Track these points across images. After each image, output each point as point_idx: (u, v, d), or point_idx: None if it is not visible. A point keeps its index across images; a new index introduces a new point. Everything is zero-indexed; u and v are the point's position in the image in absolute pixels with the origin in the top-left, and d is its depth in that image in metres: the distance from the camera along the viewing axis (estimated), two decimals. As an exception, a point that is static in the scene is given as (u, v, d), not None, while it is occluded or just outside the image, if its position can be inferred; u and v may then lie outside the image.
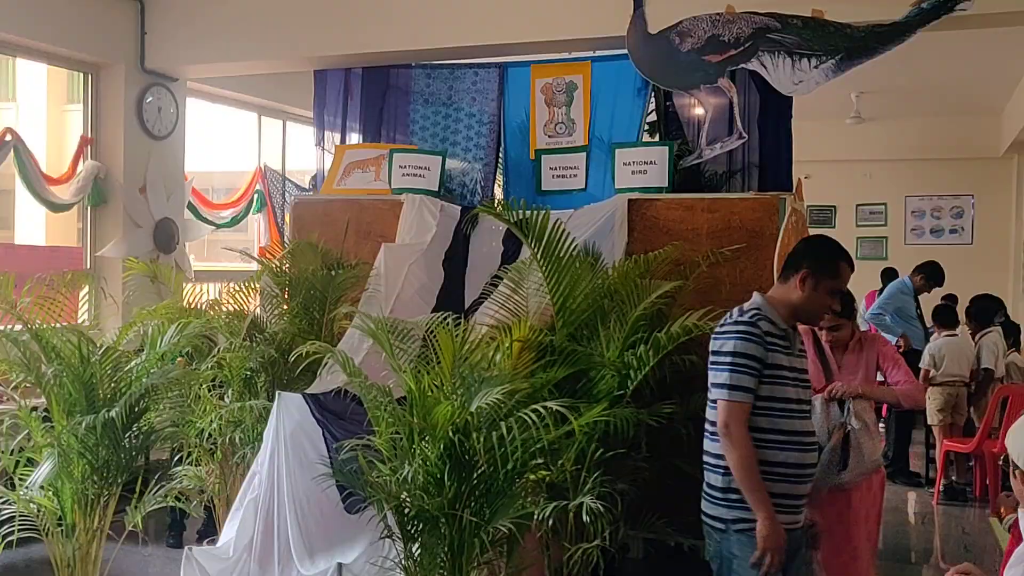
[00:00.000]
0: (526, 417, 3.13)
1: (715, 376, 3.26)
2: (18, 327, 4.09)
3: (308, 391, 4.75)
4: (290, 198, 9.41)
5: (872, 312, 8.72)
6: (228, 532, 4.45)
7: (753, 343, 3.20)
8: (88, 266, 7.33)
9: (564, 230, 4.30)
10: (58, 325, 4.18)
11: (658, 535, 4.56)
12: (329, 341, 5.56)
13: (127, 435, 3.92)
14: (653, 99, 6.36)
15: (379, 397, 3.54)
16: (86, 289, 5.18)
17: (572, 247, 4.33)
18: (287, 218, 9.39)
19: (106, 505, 3.95)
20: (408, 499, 3.33)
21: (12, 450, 3.85)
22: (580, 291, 4.27)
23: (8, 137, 6.64)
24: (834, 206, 13.04)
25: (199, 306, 5.09)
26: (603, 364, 4.18)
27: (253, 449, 4.96)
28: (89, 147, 7.38)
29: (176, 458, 4.89)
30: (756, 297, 3.38)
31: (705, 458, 3.37)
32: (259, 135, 9.37)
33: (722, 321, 3.35)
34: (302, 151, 9.97)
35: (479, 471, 3.34)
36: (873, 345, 4.36)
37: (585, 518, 3.73)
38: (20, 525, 3.92)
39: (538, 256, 4.25)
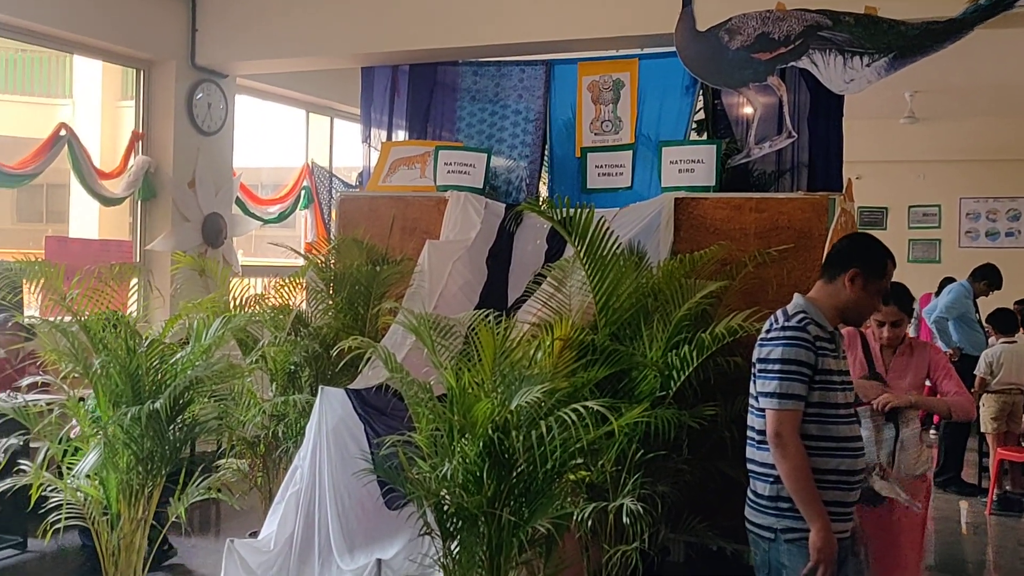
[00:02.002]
0: (566, 416, 3.10)
1: (763, 385, 3.16)
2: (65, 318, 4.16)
3: (351, 386, 4.76)
4: (336, 194, 9.49)
5: (937, 316, 8.53)
6: (269, 526, 4.48)
7: (803, 348, 3.11)
8: (138, 259, 7.44)
9: (608, 228, 4.26)
10: (106, 317, 4.23)
11: (699, 538, 4.49)
12: (373, 337, 5.58)
13: (171, 427, 3.96)
14: (701, 97, 6.30)
15: (420, 393, 3.53)
16: (134, 282, 5.26)
17: (616, 245, 4.29)
18: (333, 214, 9.48)
19: (150, 496, 4.00)
20: (447, 497, 3.32)
21: (60, 439, 3.91)
22: (623, 290, 4.23)
23: (62, 132, 6.76)
24: (886, 207, 12.80)
25: (245, 301, 5.13)
26: (645, 364, 4.13)
27: (296, 443, 4.99)
28: (140, 142, 7.48)
29: (219, 451, 4.93)
30: (799, 300, 3.28)
31: (750, 466, 3.29)
32: (307, 132, 9.44)
33: (767, 327, 3.27)
34: (349, 148, 10.03)
35: (518, 470, 3.31)
36: (924, 351, 4.25)
37: (625, 520, 3.69)
38: (67, 513, 3.99)
39: (581, 254, 4.21)
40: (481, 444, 3.19)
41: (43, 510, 4.02)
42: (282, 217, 8.95)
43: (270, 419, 4.92)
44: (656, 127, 6.36)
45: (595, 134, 6.54)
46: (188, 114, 7.51)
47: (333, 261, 5.61)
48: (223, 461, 4.77)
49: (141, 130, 7.50)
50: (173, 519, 4.07)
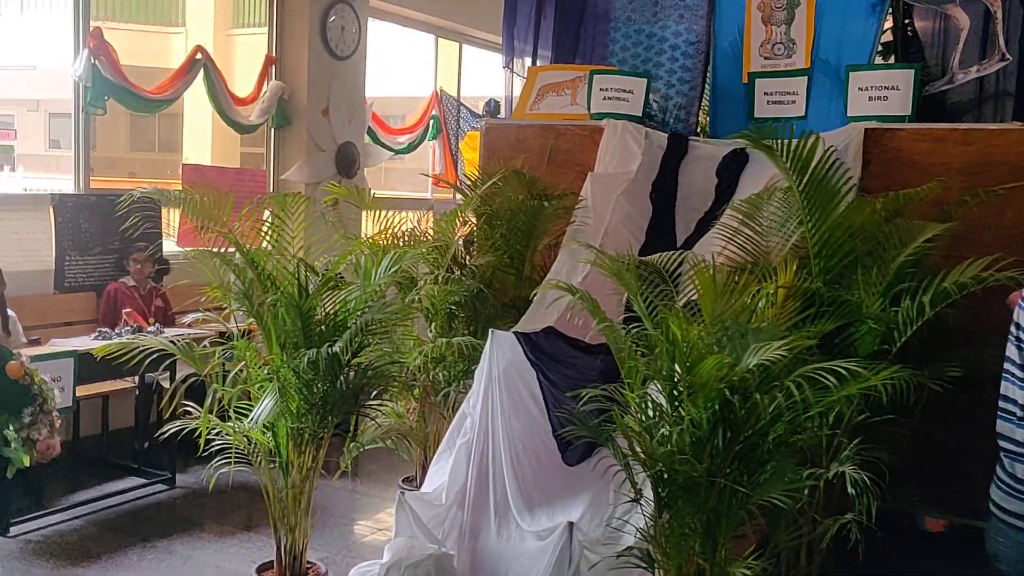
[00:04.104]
0: (826, 379, 2.68)
1: None
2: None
3: (517, 329, 4.41)
4: (464, 124, 9.11)
5: None
6: (436, 477, 4.18)
7: None
8: (272, 189, 7.20)
9: (837, 160, 3.75)
10: (266, 249, 3.92)
11: (915, 509, 4.05)
12: (530, 276, 5.22)
13: (344, 372, 3.66)
14: (890, 16, 5.64)
15: (633, 345, 3.14)
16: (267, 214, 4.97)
17: (844, 180, 3.78)
18: (462, 145, 9.12)
19: (319, 444, 3.73)
20: (663, 462, 2.93)
21: (228, 382, 3.65)
22: (842, 232, 3.73)
23: (199, 56, 6.50)
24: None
25: (401, 236, 4.79)
26: (867, 316, 3.64)
27: (456, 388, 4.70)
28: (273, 67, 7.18)
29: (373, 395, 4.66)
30: None
31: (1004, 443, 2.82)
32: (435, 58, 9.04)
33: None
34: (477, 75, 9.63)
35: (745, 435, 2.91)
36: None
37: (851, 490, 3.26)
38: (230, 455, 3.76)
39: (799, 189, 3.71)
40: (717, 405, 2.78)
41: (207, 454, 3.80)
42: (411, 148, 8.61)
43: (430, 362, 4.61)
44: (836, 50, 5.73)
45: (765, 58, 5.95)
46: (322, 37, 7.17)
47: (487, 194, 5.16)
48: (378, 404, 4.48)
49: (274, 54, 7.19)
50: (343, 468, 3.80)
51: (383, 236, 4.64)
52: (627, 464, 3.11)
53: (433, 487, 4.12)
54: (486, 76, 9.80)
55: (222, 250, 3.75)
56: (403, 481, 5.10)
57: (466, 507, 3.98)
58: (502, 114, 9.23)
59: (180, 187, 6.76)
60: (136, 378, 5.46)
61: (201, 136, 16.94)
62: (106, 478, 5.51)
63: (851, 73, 5.30)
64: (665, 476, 2.94)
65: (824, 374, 2.72)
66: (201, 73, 6.50)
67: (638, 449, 2.95)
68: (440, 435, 4.93)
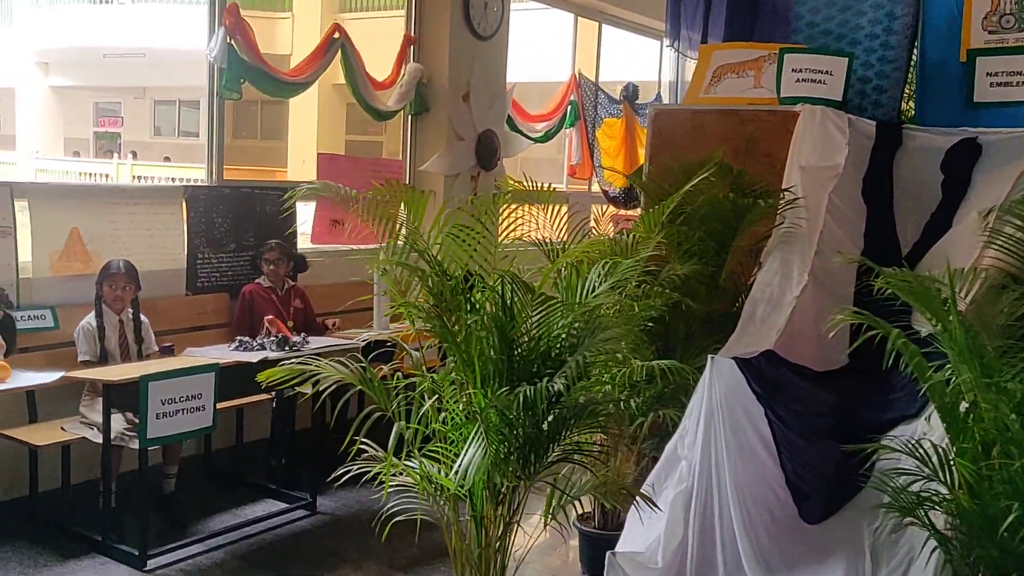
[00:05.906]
0: None
1: None
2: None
3: (727, 353, 3.71)
4: (601, 111, 8.43)
5: None
6: (641, 530, 3.52)
7: None
8: (408, 181, 6.63)
9: None
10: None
11: None
12: (724, 285, 4.53)
13: (555, 410, 3.01)
14: None
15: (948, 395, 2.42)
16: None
17: None
18: (598, 133, 8.43)
19: (519, 495, 3.10)
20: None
21: (415, 418, 3.04)
22: None
23: (336, 35, 5.95)
24: None
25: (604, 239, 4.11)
26: None
27: (647, 418, 4.05)
28: (412, 47, 6.59)
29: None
30: None
31: None
32: (574, 39, 8.35)
33: None
34: (616, 59, 8.92)
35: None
36: None
37: None
38: (403, 500, 3.16)
39: None
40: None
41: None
42: (548, 136, 7.95)
43: (623, 389, 3.95)
44: (1084, 21, 4.89)
45: (989, 32, 5.10)
46: (464, 15, 6.55)
47: (689, 187, 4.41)
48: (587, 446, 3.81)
49: (413, 33, 6.60)
50: (546, 523, 3.15)
51: (585, 242, 3.98)
52: (946, 543, 2.40)
53: (644, 544, 3.46)
54: (624, 58, 9.11)
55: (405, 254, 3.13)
56: (580, 520, 4.45)
57: (688, 571, 3.32)
58: (642, 100, 8.52)
59: (298, 179, 6.24)
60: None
61: (307, 124, 16.63)
62: (242, 500, 5.02)
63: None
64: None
65: None
66: (339, 54, 5.95)
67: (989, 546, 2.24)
68: (623, 470, 4.28)
